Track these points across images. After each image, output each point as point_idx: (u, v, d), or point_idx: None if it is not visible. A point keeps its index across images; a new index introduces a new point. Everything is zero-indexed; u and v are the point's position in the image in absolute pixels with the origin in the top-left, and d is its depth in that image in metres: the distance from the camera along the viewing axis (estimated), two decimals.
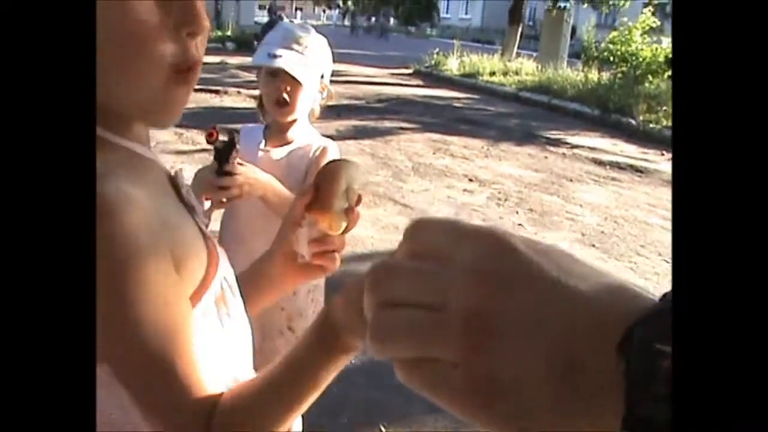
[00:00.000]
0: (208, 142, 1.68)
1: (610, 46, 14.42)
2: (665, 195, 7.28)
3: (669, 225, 7.02)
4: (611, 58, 14.28)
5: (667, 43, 14.04)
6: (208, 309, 0.86)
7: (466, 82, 16.74)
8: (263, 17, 37.27)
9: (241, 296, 0.96)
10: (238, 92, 12.03)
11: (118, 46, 0.73)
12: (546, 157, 8.91)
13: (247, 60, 17.81)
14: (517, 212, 6.42)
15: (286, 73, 2.01)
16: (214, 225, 1.74)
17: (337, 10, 71.23)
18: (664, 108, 11.64)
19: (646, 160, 9.11)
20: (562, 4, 20.41)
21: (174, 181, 0.90)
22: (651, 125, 11.09)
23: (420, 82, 17.15)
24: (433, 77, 17.97)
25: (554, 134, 10.57)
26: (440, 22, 59.59)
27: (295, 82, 2.03)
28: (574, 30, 19.74)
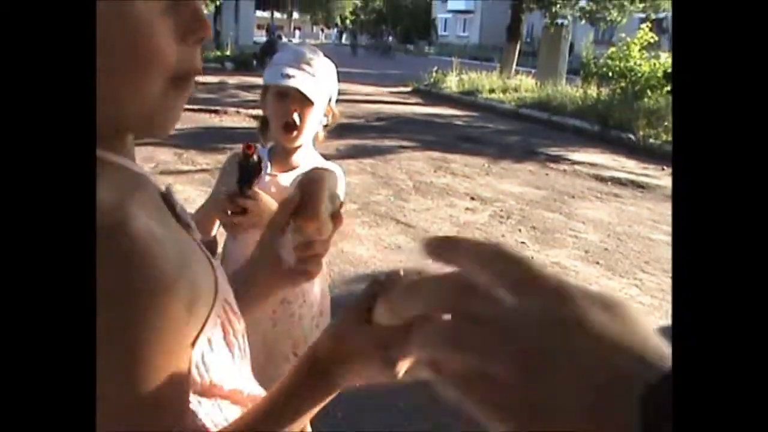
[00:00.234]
0: (244, 156, 1.63)
1: (609, 61, 14.49)
2: (667, 210, 7.25)
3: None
4: (610, 74, 14.34)
5: (665, 58, 14.10)
6: (215, 332, 0.82)
7: (466, 99, 16.79)
8: (262, 37, 37.54)
9: None
10: (237, 112, 12.04)
11: (125, 56, 0.69)
12: (547, 174, 8.90)
13: (246, 80, 18.07)
14: (519, 230, 6.39)
15: (297, 93, 1.97)
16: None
17: (335, 29, 72.02)
18: (665, 123, 11.66)
19: (647, 175, 9.10)
20: (560, 21, 20.56)
21: (166, 198, 0.86)
22: (651, 140, 11.10)
23: (419, 100, 17.20)
24: (432, 95, 18.03)
25: (555, 151, 10.57)
26: (438, 40, 60.14)
27: (305, 104, 1.99)
28: (572, 46, 19.83)
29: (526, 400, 0.42)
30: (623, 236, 6.37)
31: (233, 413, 0.86)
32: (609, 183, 8.54)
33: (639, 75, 13.83)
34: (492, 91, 17.27)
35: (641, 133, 11.48)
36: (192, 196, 5.94)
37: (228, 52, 24.92)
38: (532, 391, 0.42)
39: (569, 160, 9.89)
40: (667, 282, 5.20)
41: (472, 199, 7.41)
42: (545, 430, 0.42)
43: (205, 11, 0.77)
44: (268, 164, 2.10)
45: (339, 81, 2.14)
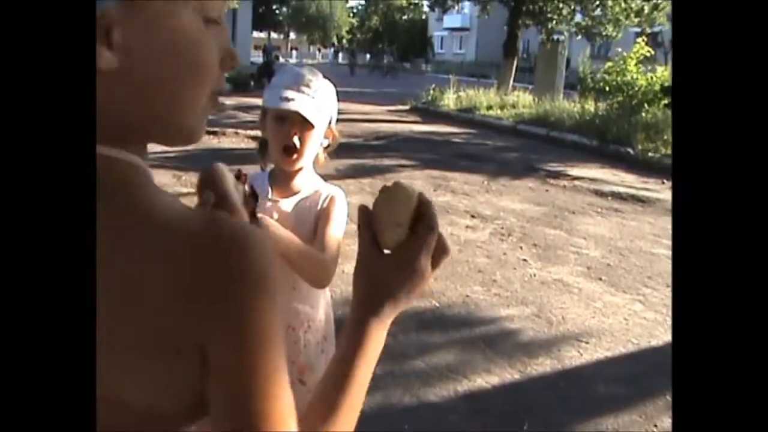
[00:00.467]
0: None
1: (606, 76, 14.51)
2: (668, 224, 7.22)
3: None
4: (607, 89, 14.35)
5: (661, 71, 14.14)
6: None
7: (464, 116, 16.82)
8: (258, 58, 37.68)
9: None
10: (236, 133, 12.05)
11: (184, 69, 0.74)
12: (547, 190, 8.88)
13: (243, 101, 18.10)
14: (521, 247, 6.36)
15: (297, 117, 1.94)
16: None
17: (332, 49, 72.37)
18: (663, 137, 11.67)
19: (647, 189, 9.09)
20: (556, 37, 20.64)
21: None
22: (650, 154, 11.11)
23: (418, 118, 17.23)
24: (430, 113, 18.06)
25: (554, 166, 10.57)
26: (435, 58, 60.43)
27: (305, 127, 1.96)
28: (568, 61, 19.90)
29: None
30: (625, 251, 6.35)
31: None
32: (609, 198, 8.53)
33: (636, 89, 13.85)
34: (490, 107, 17.30)
35: (640, 147, 11.49)
36: None
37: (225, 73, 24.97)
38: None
39: (569, 175, 9.89)
40: (670, 297, 5.17)
41: (473, 216, 7.39)
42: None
43: None
44: (269, 189, 2.07)
45: (338, 100, 2.12)
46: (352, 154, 10.16)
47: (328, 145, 2.16)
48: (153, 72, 0.71)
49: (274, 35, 78.02)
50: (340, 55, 68.52)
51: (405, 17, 70.54)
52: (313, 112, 1.96)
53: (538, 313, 4.78)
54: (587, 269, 5.82)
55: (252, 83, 22.15)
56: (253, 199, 1.54)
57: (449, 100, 18.46)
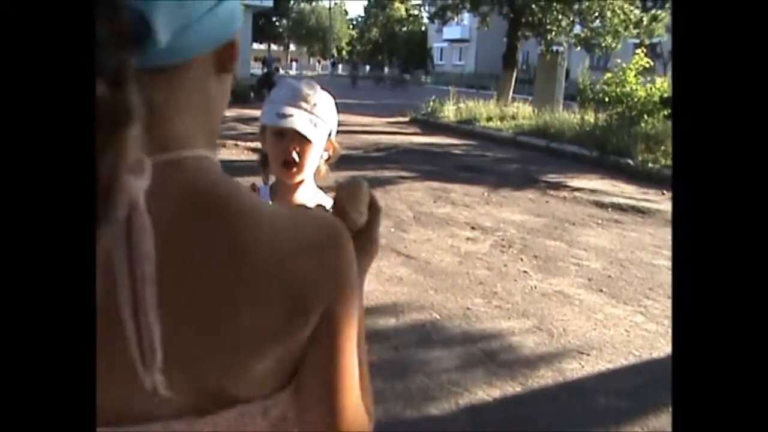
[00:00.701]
0: None
1: (605, 87, 14.53)
2: (669, 235, 7.21)
3: None
4: (607, 100, 14.37)
5: (660, 82, 14.16)
6: None
7: (463, 128, 16.84)
8: (258, 69, 37.76)
9: None
10: (236, 145, 12.06)
11: (226, 89, 0.85)
12: (547, 202, 8.89)
13: (243, 112, 18.12)
14: (521, 259, 6.36)
15: (296, 132, 1.94)
16: None
17: (330, 61, 72.54)
18: (662, 147, 11.68)
19: (647, 200, 9.09)
20: (556, 48, 20.70)
21: None
22: (650, 165, 11.12)
23: (417, 130, 17.25)
24: (430, 124, 18.08)
25: (554, 178, 10.58)
26: (434, 69, 60.55)
27: (304, 142, 1.96)
28: (568, 73, 19.94)
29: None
30: (626, 263, 6.35)
31: None
32: (609, 209, 8.53)
33: (635, 100, 13.87)
34: (489, 119, 17.33)
35: (640, 157, 11.50)
36: None
37: None
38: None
39: (569, 186, 9.90)
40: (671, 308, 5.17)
41: (473, 228, 7.39)
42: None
43: None
44: (270, 202, 2.07)
45: (337, 112, 2.12)
46: (352, 166, 10.17)
47: (329, 158, 2.15)
48: (225, 86, 0.84)
49: (274, 47, 78.25)
50: (340, 66, 68.66)
51: (404, 29, 70.79)
52: (312, 128, 1.95)
53: (539, 325, 4.77)
54: (588, 281, 5.82)
55: (252, 95, 22.19)
56: None
57: (449, 112, 18.49)
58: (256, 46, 61.60)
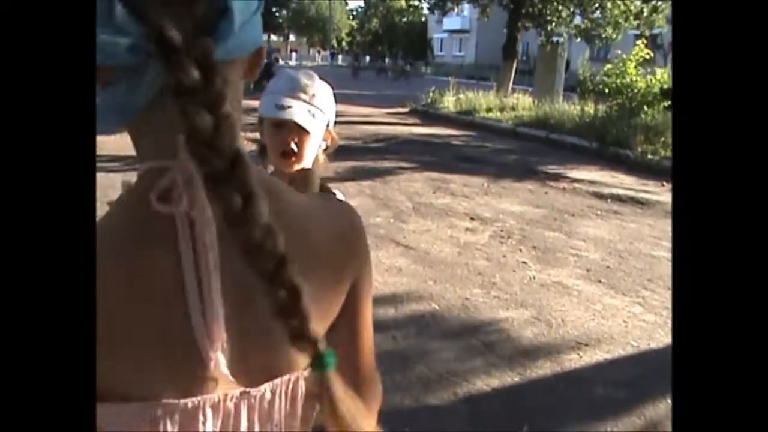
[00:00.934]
0: None
1: (605, 78, 14.50)
2: (668, 226, 7.23)
3: None
4: (607, 91, 14.34)
5: (660, 74, 14.13)
6: None
7: (463, 119, 16.82)
8: None
9: None
10: None
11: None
12: (546, 193, 8.89)
13: (243, 103, 17.85)
14: (520, 250, 6.37)
15: (294, 124, 1.94)
16: None
17: (329, 51, 72.37)
18: (662, 139, 11.67)
19: (646, 191, 9.09)
20: (556, 39, 20.64)
21: None
22: (649, 156, 11.11)
23: (417, 121, 17.24)
24: (430, 115, 18.07)
25: (553, 169, 10.58)
26: (434, 60, 60.41)
27: (303, 133, 1.96)
28: (568, 64, 19.90)
29: None
30: (625, 254, 6.35)
31: None
32: (609, 200, 8.53)
33: (635, 91, 13.84)
34: (489, 110, 17.32)
35: (639, 149, 11.49)
36: None
37: None
38: None
39: (568, 177, 9.90)
40: (670, 299, 5.17)
41: (472, 219, 7.39)
42: None
43: None
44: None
45: (337, 102, 2.12)
46: (351, 157, 10.17)
47: (327, 148, 2.15)
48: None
49: (273, 37, 78.04)
50: (340, 57, 68.46)
51: (404, 19, 70.58)
52: (310, 119, 1.95)
53: (538, 316, 4.78)
54: (587, 271, 5.82)
55: (252, 86, 22.18)
56: None
57: (449, 103, 18.47)
58: None
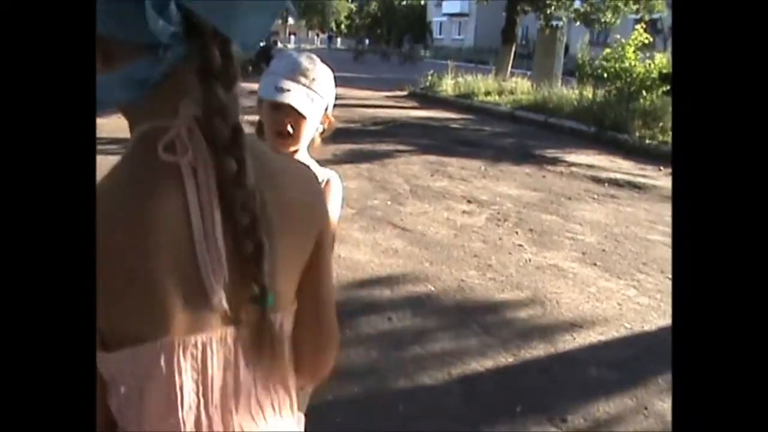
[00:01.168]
0: None
1: (604, 63, 14.45)
2: (664, 211, 7.25)
3: (670, 241, 6.93)
4: (605, 75, 14.30)
5: (659, 58, 14.09)
6: None
7: (462, 102, 16.79)
8: None
9: None
10: None
11: None
12: (544, 176, 8.90)
13: (242, 86, 17.80)
14: (516, 232, 6.39)
15: (292, 107, 1.95)
16: None
17: (327, 34, 71.94)
18: (660, 124, 11.66)
19: (644, 176, 9.11)
20: (555, 23, 20.55)
21: None
22: (647, 141, 11.11)
23: (416, 104, 17.21)
24: (428, 99, 18.03)
25: (551, 153, 10.58)
26: (433, 43, 60.12)
27: (299, 117, 1.97)
28: (567, 48, 19.83)
29: None
30: (620, 237, 6.38)
31: None
32: (606, 184, 8.54)
33: (634, 76, 13.80)
34: (488, 93, 17.27)
35: (637, 133, 11.49)
36: None
37: None
38: None
39: (566, 161, 9.90)
40: (664, 282, 5.20)
41: (469, 202, 7.41)
42: None
43: None
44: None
45: (335, 86, 2.13)
46: (349, 139, 10.16)
47: (324, 131, 2.17)
48: None
49: None
50: (338, 40, 68.07)
51: (404, 2, 70.14)
52: (308, 103, 1.96)
53: (533, 298, 4.81)
54: (582, 255, 5.85)
55: (250, 68, 22.04)
56: None
57: (447, 86, 18.43)
58: None
